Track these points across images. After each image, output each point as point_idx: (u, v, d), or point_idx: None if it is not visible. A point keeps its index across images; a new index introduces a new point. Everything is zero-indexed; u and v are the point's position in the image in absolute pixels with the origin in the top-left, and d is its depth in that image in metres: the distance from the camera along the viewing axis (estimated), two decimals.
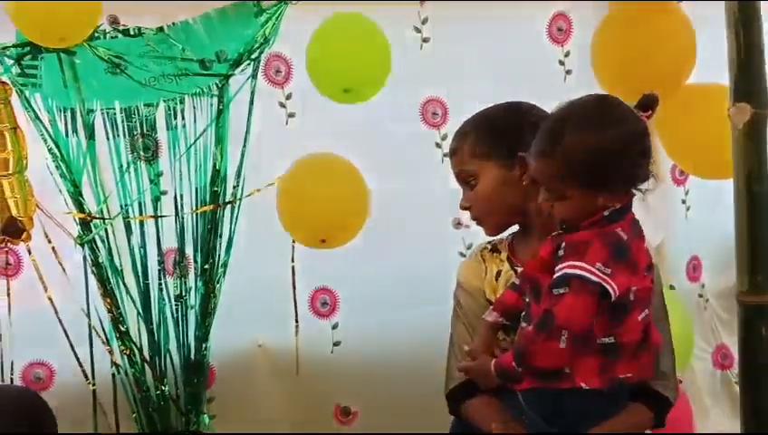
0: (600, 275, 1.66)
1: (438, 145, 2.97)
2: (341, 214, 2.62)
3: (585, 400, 1.76)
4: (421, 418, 3.02)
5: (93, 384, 2.83)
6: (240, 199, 2.84)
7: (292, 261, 2.88)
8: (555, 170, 1.69)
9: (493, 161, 1.91)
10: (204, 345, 2.90)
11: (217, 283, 2.88)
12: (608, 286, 1.66)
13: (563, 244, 1.72)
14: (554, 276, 1.69)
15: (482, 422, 1.93)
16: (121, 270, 2.81)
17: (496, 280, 1.97)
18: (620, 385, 1.77)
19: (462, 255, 2.98)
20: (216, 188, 2.82)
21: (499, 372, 1.78)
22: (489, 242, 2.04)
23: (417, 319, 3.05)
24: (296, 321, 2.95)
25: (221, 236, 2.87)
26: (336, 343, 3.04)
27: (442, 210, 3.00)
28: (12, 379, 2.78)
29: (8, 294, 2.73)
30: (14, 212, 2.61)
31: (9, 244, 2.66)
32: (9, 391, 2.59)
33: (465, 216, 2.94)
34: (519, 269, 1.93)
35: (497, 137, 1.91)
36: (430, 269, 3.01)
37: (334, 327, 3.04)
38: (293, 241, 2.82)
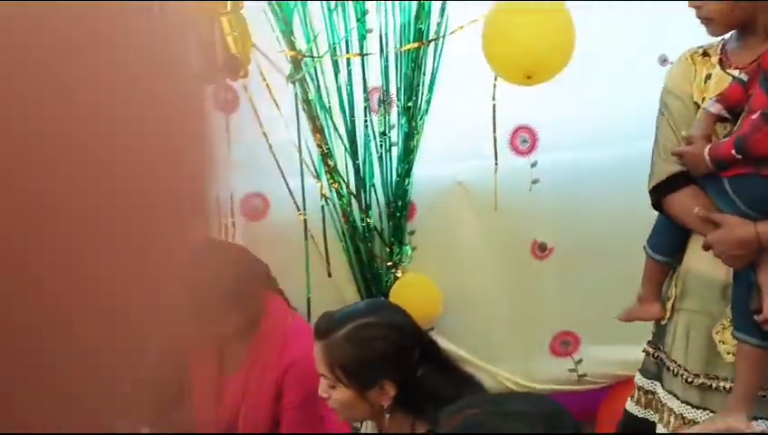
0: None
1: None
2: (548, 49, 2.58)
3: None
4: (615, 256, 3.06)
5: (304, 214, 2.98)
6: (444, 36, 2.85)
7: (494, 99, 2.89)
8: None
9: None
10: (406, 181, 2.99)
11: (420, 120, 2.93)
12: None
13: None
14: None
15: (683, 211, 2.06)
16: (329, 107, 2.90)
17: (705, 83, 2.04)
18: None
19: None
20: (420, 26, 2.84)
21: (713, 157, 1.87)
22: (699, 47, 2.10)
23: (617, 158, 3.03)
24: (495, 159, 2.98)
25: (424, 74, 2.89)
26: (534, 181, 3.06)
27: (647, 46, 2.93)
28: (232, 210, 2.98)
29: (227, 129, 2.88)
30: (232, 49, 2.71)
31: (228, 80, 2.80)
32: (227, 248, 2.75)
33: (671, 52, 2.91)
34: (732, 72, 1.99)
35: None
36: (633, 107, 2.95)
37: (533, 165, 3.05)
38: (495, 78, 2.81)
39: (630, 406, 2.35)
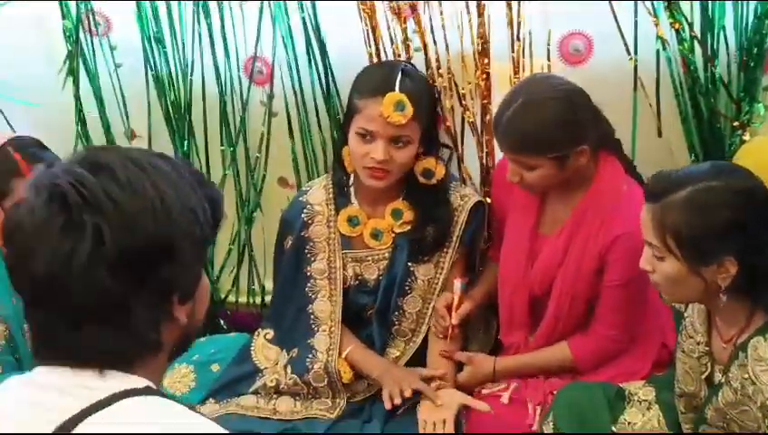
0: None
1: None
2: None
3: None
4: None
5: (635, 59, 2.58)
6: None
7: None
8: None
9: None
10: (766, 23, 2.49)
11: None
12: None
13: None
14: None
15: None
16: None
17: None
18: None
19: None
20: None
21: None
22: None
23: None
24: None
25: None
26: None
27: None
28: (548, 52, 2.61)
29: None
30: None
31: None
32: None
33: None
34: None
35: None
36: None
37: None
38: None
39: None
